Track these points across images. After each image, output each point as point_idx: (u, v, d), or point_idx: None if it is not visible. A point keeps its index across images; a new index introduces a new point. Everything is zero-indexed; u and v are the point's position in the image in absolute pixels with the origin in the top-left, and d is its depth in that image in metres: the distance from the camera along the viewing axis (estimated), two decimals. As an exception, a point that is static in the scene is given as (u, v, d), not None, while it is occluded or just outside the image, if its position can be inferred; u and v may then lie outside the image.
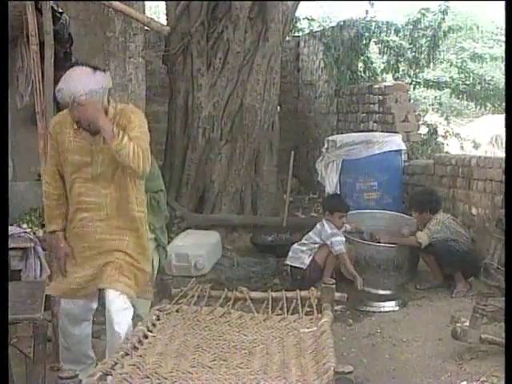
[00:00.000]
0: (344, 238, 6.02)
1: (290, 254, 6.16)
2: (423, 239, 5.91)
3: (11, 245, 4.32)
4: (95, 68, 3.64)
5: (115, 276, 3.65)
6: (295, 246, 6.19)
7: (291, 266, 6.14)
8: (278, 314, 3.84)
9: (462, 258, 5.77)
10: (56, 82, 4.62)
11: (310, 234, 6.17)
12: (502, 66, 12.02)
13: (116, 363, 2.99)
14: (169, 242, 6.42)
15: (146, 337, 3.39)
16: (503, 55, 11.50)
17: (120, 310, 3.64)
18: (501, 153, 9.88)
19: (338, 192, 7.19)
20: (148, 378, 2.95)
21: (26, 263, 4.50)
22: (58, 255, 3.80)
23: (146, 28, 6.74)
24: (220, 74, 7.79)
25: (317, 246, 6.07)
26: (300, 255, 6.05)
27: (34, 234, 4.83)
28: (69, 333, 3.81)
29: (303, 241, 6.19)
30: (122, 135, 3.54)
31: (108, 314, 3.64)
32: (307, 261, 6.01)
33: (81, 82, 3.55)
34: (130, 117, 3.67)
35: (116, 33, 6.81)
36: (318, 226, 6.17)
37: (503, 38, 12.94)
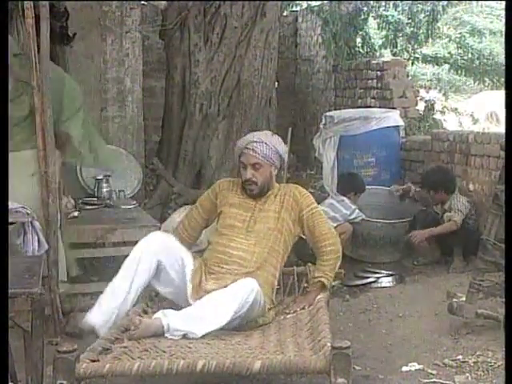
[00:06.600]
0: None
1: None
2: (458, 220, 5.76)
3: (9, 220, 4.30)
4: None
5: None
6: None
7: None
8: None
9: (464, 235, 5.72)
10: (52, 57, 4.60)
11: (327, 209, 5.93)
12: (501, 40, 11.96)
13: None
14: (166, 218, 6.44)
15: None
16: (502, 30, 11.45)
17: None
18: (497, 129, 9.85)
19: (336, 168, 7.18)
20: (147, 351, 2.98)
21: (24, 238, 4.48)
22: None
23: (143, 2, 6.69)
24: (217, 49, 7.73)
25: (335, 224, 5.81)
26: None
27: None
28: None
29: None
30: None
31: None
32: None
33: (283, 148, 4.08)
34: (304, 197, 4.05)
35: (112, 7, 6.76)
36: (335, 203, 6.05)
37: (502, 13, 12.86)
